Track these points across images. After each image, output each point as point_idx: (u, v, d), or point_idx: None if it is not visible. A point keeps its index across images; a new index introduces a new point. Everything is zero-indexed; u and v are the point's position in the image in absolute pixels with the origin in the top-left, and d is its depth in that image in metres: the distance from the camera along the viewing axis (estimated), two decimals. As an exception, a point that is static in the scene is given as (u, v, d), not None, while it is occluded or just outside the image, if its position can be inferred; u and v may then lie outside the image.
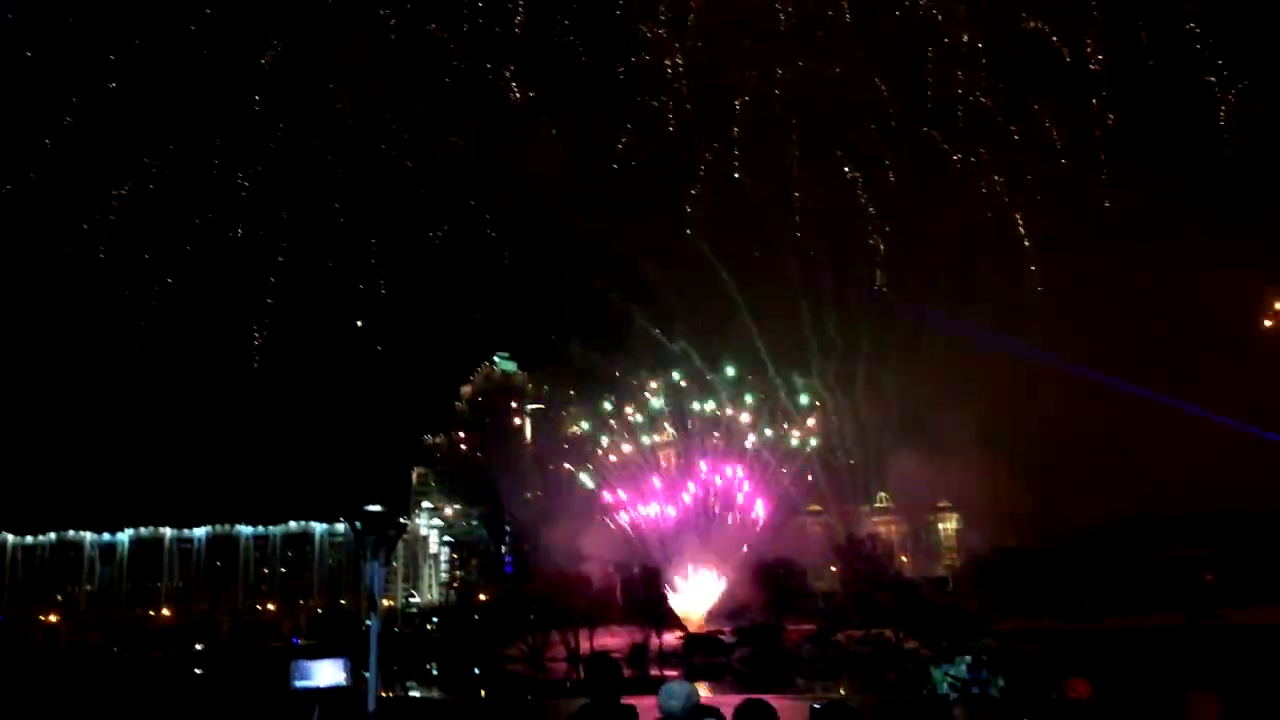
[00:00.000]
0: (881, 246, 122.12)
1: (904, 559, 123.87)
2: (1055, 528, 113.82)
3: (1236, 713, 5.01)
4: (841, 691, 50.29)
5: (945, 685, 6.64)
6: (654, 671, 75.48)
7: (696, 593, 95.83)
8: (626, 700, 6.72)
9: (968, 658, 6.64)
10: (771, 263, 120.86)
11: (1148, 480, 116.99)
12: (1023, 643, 75.23)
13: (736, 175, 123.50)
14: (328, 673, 5.89)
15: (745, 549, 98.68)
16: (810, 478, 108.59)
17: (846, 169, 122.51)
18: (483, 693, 59.92)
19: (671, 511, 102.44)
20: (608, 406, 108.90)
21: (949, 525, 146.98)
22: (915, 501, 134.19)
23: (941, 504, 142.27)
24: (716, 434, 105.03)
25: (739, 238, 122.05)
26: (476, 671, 78.23)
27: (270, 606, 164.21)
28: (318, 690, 5.78)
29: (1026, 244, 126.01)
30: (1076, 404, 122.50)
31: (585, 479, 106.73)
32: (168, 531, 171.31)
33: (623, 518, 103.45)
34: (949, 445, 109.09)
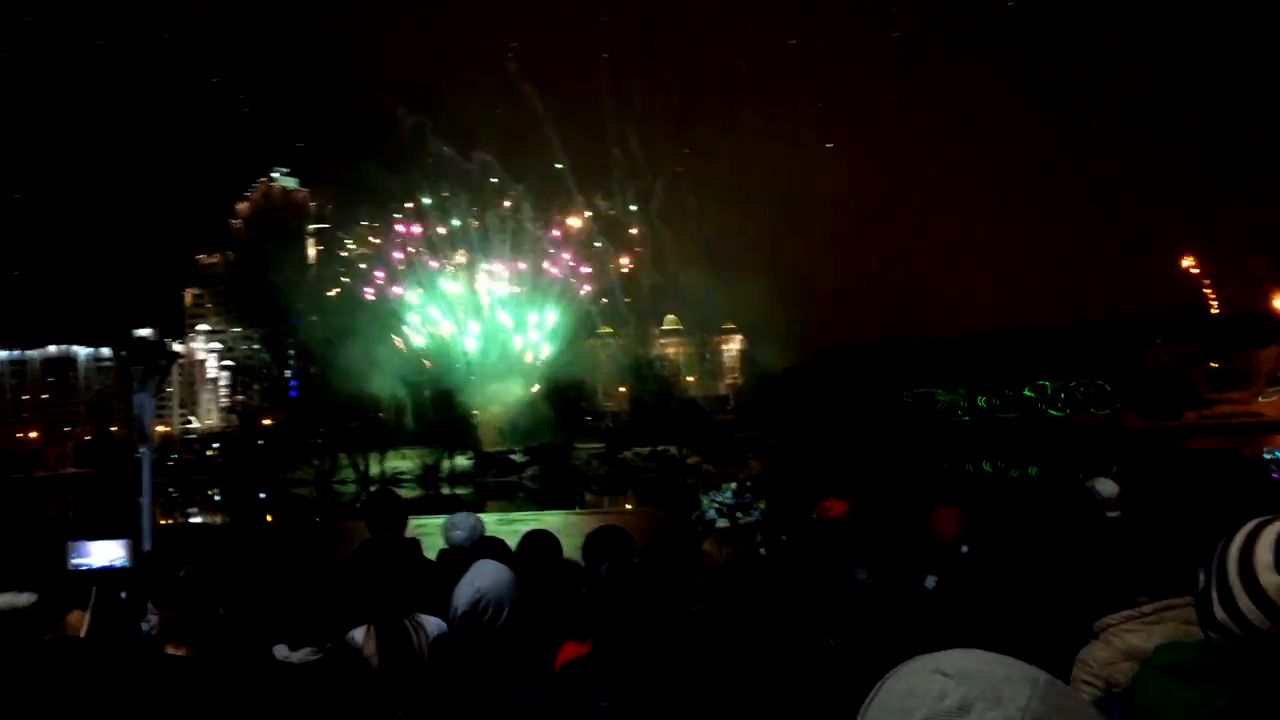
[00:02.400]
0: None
1: (690, 379, 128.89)
2: (830, 348, 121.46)
3: (976, 525, 5.58)
4: (627, 506, 52.78)
5: (713, 511, 7.07)
6: (445, 492, 76.72)
7: (489, 413, 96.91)
8: (417, 519, 6.79)
9: (733, 484, 7.06)
10: (577, 82, 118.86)
11: (913, 302, 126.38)
12: (799, 454, 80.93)
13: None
14: (106, 552, 5.61)
15: (536, 371, 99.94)
16: (605, 300, 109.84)
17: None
18: (269, 517, 59.34)
19: (467, 331, 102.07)
20: (399, 227, 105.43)
21: (732, 346, 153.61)
22: (702, 323, 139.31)
23: (726, 325, 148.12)
24: (515, 251, 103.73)
25: (544, 56, 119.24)
26: (262, 496, 77.23)
27: (33, 435, 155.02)
28: (95, 570, 5.50)
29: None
30: (857, 229, 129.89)
31: (374, 301, 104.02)
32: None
33: (416, 337, 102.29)
34: (736, 268, 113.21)
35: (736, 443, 79.16)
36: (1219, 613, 2.11)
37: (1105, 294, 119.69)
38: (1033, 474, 60.84)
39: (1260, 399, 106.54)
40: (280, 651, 3.89)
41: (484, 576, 4.18)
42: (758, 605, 3.57)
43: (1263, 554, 2.05)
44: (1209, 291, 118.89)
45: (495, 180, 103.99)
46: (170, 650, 3.52)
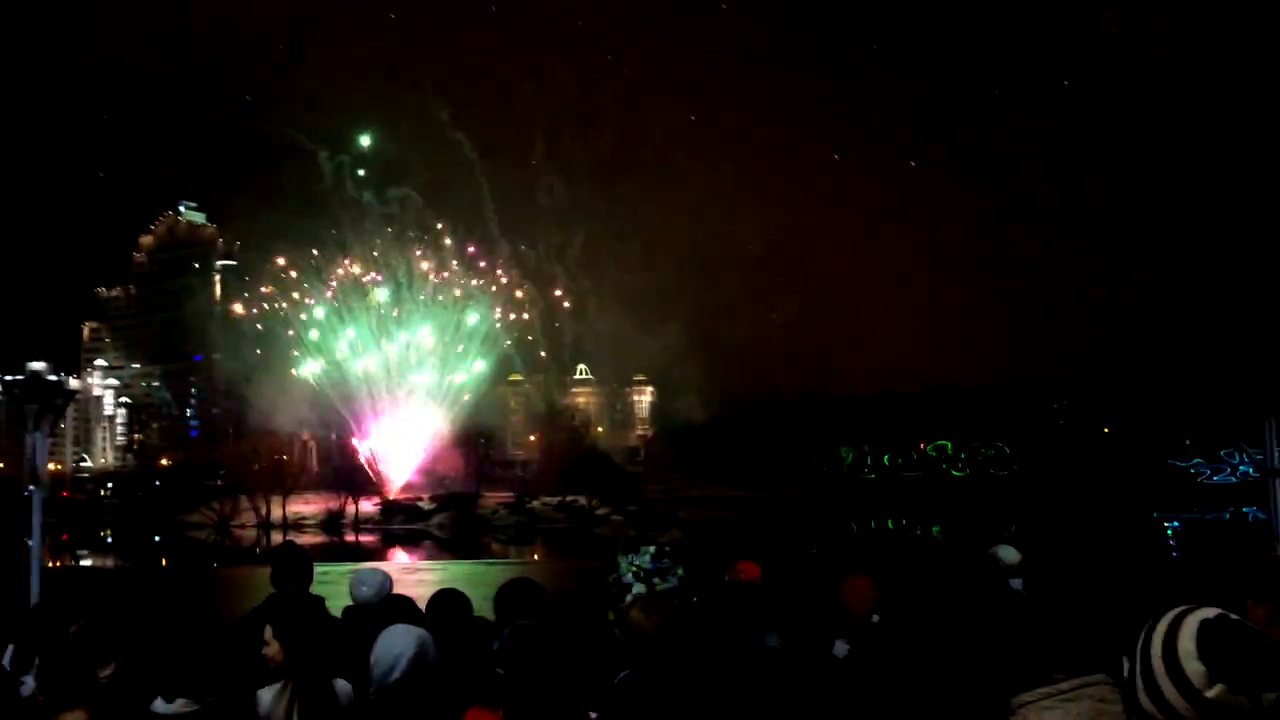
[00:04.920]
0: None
1: (599, 429, 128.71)
2: (740, 403, 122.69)
3: (888, 593, 5.63)
4: (535, 557, 52.17)
5: (630, 575, 7.00)
6: (349, 538, 74.98)
7: (395, 460, 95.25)
8: (319, 567, 6.57)
9: (652, 548, 7.01)
10: (507, 131, 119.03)
11: (823, 359, 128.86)
12: (709, 508, 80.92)
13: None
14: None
15: (446, 418, 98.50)
16: (523, 345, 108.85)
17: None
18: (164, 561, 57.18)
19: (375, 377, 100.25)
20: (311, 267, 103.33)
21: (643, 398, 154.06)
22: (613, 374, 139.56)
23: (637, 377, 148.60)
24: (436, 293, 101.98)
25: (477, 101, 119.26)
26: (157, 539, 74.42)
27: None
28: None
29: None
30: (770, 286, 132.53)
31: (284, 341, 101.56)
32: None
33: (322, 381, 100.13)
34: (652, 320, 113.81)
35: (661, 506, 78.31)
36: (1144, 701, 2.16)
37: (1011, 356, 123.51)
38: (935, 534, 61.94)
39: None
40: (156, 705, 3.76)
41: (400, 642, 4.07)
42: (686, 676, 3.54)
43: (1185, 642, 2.12)
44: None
45: (420, 220, 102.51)
46: (68, 717, 3.40)
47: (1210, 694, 2.06)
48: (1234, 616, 2.13)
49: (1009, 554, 7.63)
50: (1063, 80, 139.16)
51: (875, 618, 5.41)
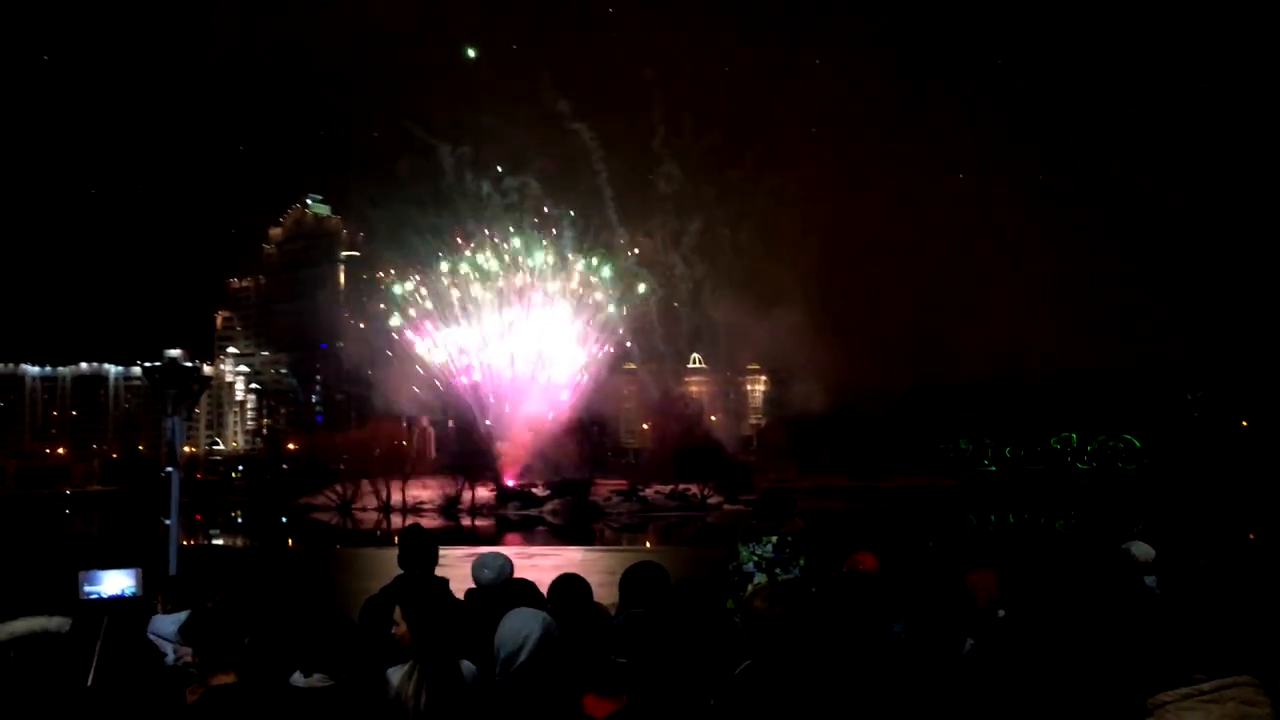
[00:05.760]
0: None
1: (713, 418, 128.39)
2: (855, 392, 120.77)
3: (1012, 587, 5.49)
4: (647, 544, 52.49)
5: (751, 564, 6.99)
6: (465, 523, 76.64)
7: (510, 447, 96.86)
8: (440, 551, 6.75)
9: (774, 538, 6.98)
10: (624, 118, 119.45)
11: (941, 347, 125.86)
12: (823, 499, 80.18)
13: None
14: (116, 582, 5.57)
15: (560, 406, 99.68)
16: (630, 337, 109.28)
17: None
18: (290, 541, 59.43)
19: (491, 365, 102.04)
20: (432, 255, 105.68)
21: (757, 387, 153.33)
22: (727, 363, 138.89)
23: (751, 366, 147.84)
24: (543, 288, 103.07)
25: (595, 90, 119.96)
26: (284, 520, 77.42)
27: (61, 451, 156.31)
28: (106, 600, 5.49)
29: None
30: (883, 276, 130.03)
31: (399, 325, 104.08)
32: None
33: (442, 367, 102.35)
34: (762, 310, 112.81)
35: (782, 495, 78.00)
36: None
37: (1142, 341, 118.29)
38: (1059, 528, 60.10)
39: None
40: (295, 678, 3.92)
41: (527, 624, 4.15)
42: (809, 666, 3.51)
43: None
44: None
45: (539, 209, 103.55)
46: (220, 679, 3.58)
47: None
48: None
49: (1142, 550, 7.37)
50: (1201, 84, 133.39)
51: (1000, 612, 5.28)
